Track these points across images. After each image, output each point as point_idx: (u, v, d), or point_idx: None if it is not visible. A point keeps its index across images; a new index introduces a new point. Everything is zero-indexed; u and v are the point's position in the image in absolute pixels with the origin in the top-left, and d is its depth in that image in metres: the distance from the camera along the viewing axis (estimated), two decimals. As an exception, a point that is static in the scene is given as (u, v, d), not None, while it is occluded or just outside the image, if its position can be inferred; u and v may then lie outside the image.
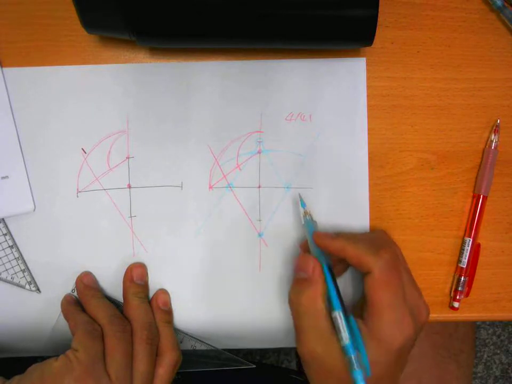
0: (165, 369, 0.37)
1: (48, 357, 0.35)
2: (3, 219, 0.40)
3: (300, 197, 0.39)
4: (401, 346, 0.33)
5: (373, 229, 0.41)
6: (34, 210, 0.40)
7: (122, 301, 0.40)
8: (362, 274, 0.35)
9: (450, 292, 0.41)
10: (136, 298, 0.39)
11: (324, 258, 0.35)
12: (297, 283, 0.36)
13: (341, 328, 0.32)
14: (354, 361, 0.31)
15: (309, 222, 0.38)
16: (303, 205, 0.39)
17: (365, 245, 0.35)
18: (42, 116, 0.40)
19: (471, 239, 0.40)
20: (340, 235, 0.36)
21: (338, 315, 0.33)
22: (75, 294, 0.40)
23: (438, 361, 0.57)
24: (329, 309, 0.34)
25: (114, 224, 0.40)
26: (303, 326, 0.35)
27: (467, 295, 0.41)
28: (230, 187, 0.41)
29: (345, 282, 0.41)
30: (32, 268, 0.40)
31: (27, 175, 0.40)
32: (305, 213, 0.38)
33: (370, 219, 0.41)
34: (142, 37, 0.35)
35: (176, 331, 0.40)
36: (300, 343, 0.35)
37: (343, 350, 0.32)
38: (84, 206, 0.40)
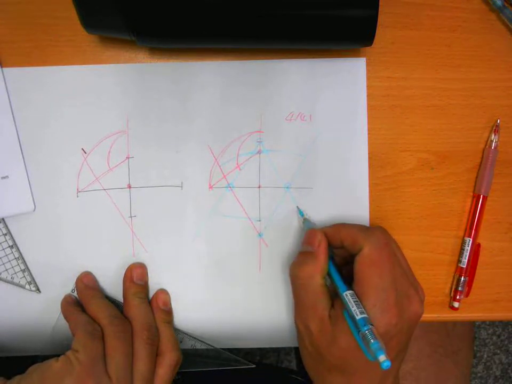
0: (165, 369, 0.37)
1: (48, 357, 0.35)
2: (3, 219, 0.40)
3: (298, 208, 0.41)
4: (383, 332, 0.32)
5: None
6: (34, 210, 0.40)
7: (122, 301, 0.40)
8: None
9: (450, 292, 0.41)
10: (136, 299, 0.39)
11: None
12: (300, 256, 0.36)
13: (354, 303, 0.32)
14: (368, 333, 0.30)
15: (308, 221, 0.39)
16: (301, 213, 0.40)
17: (360, 226, 0.36)
18: (42, 115, 0.40)
19: (471, 239, 0.40)
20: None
21: (350, 294, 0.33)
22: (75, 294, 0.40)
23: (436, 360, 0.57)
24: (332, 289, 0.35)
25: (114, 224, 0.40)
26: (301, 301, 0.35)
27: (467, 295, 0.41)
28: (230, 187, 0.41)
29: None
30: (32, 268, 0.40)
31: (27, 175, 0.40)
32: (304, 219, 0.40)
33: (370, 219, 0.41)
34: (142, 37, 0.35)
35: (176, 331, 0.40)
36: (297, 315, 0.36)
37: (357, 325, 0.31)
38: (84, 206, 0.40)
